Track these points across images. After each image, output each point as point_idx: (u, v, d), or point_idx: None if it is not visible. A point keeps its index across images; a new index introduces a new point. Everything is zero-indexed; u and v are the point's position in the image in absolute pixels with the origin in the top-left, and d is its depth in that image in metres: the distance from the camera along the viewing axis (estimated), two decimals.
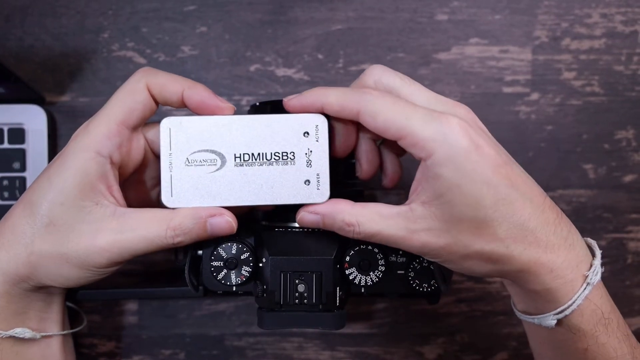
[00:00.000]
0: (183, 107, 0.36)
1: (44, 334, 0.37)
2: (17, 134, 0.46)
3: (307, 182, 0.35)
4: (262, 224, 0.42)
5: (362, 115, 0.33)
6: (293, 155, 0.35)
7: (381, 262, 0.37)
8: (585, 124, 0.49)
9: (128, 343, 0.49)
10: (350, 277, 0.37)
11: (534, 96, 0.49)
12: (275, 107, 0.40)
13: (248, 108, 0.43)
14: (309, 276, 0.36)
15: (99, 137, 0.33)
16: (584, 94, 0.49)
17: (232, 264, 0.36)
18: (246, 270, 0.37)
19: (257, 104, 0.41)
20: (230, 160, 0.35)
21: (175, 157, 0.34)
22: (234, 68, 0.49)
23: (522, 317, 0.37)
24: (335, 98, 0.33)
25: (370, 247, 0.37)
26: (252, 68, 0.49)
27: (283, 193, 0.35)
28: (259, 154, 0.35)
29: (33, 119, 0.46)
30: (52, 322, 0.38)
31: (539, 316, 0.34)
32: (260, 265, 0.37)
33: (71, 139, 0.34)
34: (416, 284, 0.37)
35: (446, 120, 0.31)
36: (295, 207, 0.36)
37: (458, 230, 0.31)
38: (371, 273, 0.37)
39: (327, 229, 0.35)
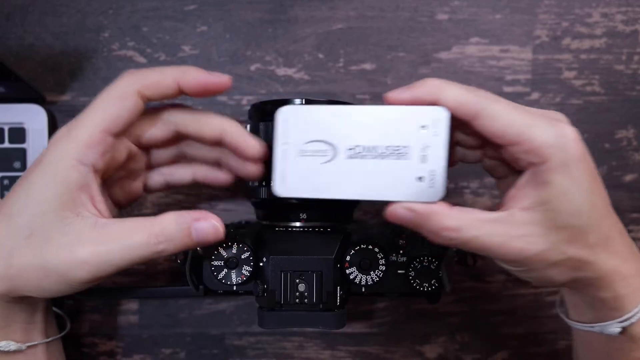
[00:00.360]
0: (181, 95, 0.35)
1: (29, 344, 0.36)
2: (18, 133, 0.46)
3: (420, 178, 0.32)
4: (263, 224, 0.42)
5: (481, 118, 0.31)
6: (407, 150, 0.33)
7: (381, 261, 0.37)
8: (585, 123, 0.49)
9: (128, 342, 0.50)
10: (351, 277, 0.37)
11: (535, 96, 0.49)
12: (276, 106, 0.40)
13: (249, 107, 0.43)
14: (309, 275, 0.36)
15: (81, 145, 0.32)
16: (584, 94, 0.49)
17: (233, 263, 0.37)
18: (247, 270, 0.37)
19: (258, 103, 0.41)
20: (342, 152, 0.33)
21: (289, 147, 0.34)
22: (235, 67, 0.49)
23: (579, 326, 0.37)
24: (454, 94, 0.32)
25: (370, 247, 0.37)
26: (253, 67, 0.49)
27: (393, 189, 0.33)
28: (371, 146, 0.33)
29: (33, 118, 0.46)
30: (36, 331, 0.37)
31: (601, 324, 0.34)
32: (261, 264, 0.37)
33: (50, 143, 0.33)
34: (417, 283, 0.37)
35: (561, 128, 0.31)
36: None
37: (557, 237, 0.32)
38: (372, 272, 0.37)
39: (414, 229, 0.33)
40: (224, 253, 0.37)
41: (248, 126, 0.42)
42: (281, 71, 0.49)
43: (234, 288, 0.37)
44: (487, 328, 0.50)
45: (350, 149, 0.33)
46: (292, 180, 0.34)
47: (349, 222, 0.42)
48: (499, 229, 0.32)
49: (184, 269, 0.37)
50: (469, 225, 0.32)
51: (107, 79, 0.48)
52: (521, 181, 0.33)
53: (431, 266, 0.37)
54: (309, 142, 0.33)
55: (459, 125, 0.34)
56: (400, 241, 0.37)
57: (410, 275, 0.37)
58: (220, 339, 0.50)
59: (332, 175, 0.33)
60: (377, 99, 0.49)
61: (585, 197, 0.31)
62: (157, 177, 0.40)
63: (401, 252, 0.37)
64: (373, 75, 0.49)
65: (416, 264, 0.37)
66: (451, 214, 0.32)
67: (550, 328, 0.50)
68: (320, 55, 0.49)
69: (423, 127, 0.32)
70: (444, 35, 0.49)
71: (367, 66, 0.49)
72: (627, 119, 0.49)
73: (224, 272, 0.37)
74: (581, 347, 0.39)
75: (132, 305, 0.49)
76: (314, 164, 0.33)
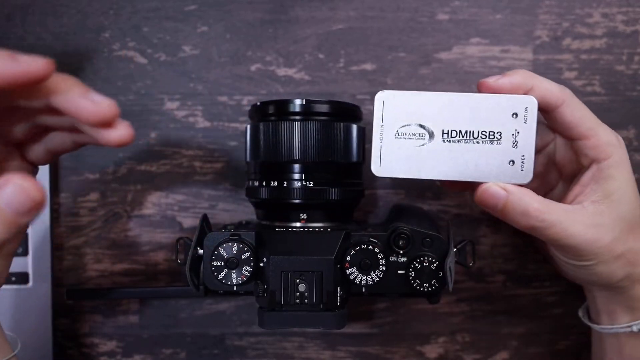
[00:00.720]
0: None
1: None
2: None
3: (512, 162, 0.35)
4: (263, 224, 0.42)
5: (565, 106, 0.36)
6: (500, 135, 0.35)
7: (382, 261, 0.37)
8: None
9: (129, 342, 0.50)
10: (351, 277, 0.37)
11: None
12: (276, 107, 0.40)
13: (249, 108, 0.43)
14: (309, 276, 0.36)
15: None
16: (585, 94, 0.49)
17: (233, 263, 0.37)
18: (247, 270, 0.37)
19: (258, 103, 0.41)
20: (438, 136, 0.36)
21: (386, 129, 0.36)
22: (235, 68, 0.49)
23: (615, 329, 0.39)
24: (546, 83, 0.36)
25: (370, 247, 0.37)
26: (253, 68, 0.49)
27: (486, 171, 0.36)
28: (466, 131, 0.36)
29: None
30: None
31: (638, 321, 0.38)
32: (261, 265, 0.37)
33: None
34: (417, 283, 0.37)
35: (616, 134, 0.37)
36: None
37: (620, 227, 0.35)
38: (372, 273, 0.37)
39: (501, 212, 0.35)
40: (224, 253, 0.37)
41: (248, 126, 0.42)
42: (281, 71, 0.49)
43: (234, 288, 0.37)
44: (487, 328, 0.50)
45: (446, 133, 0.36)
46: (387, 160, 0.36)
47: (349, 223, 0.42)
48: (579, 218, 0.35)
49: (184, 269, 0.37)
50: (555, 210, 0.35)
51: (108, 80, 0.49)
52: (585, 178, 0.37)
53: (431, 266, 0.37)
54: (405, 125, 0.36)
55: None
56: (401, 241, 0.37)
57: (411, 276, 0.37)
58: (221, 339, 0.50)
59: (427, 157, 0.36)
60: None
61: (636, 194, 0.37)
62: (37, 148, 0.36)
63: (401, 252, 0.37)
64: (373, 76, 0.49)
65: (416, 264, 0.37)
66: (540, 198, 0.35)
67: (551, 328, 0.50)
68: (321, 56, 0.49)
69: (514, 114, 0.35)
70: (445, 36, 0.49)
71: (368, 66, 0.49)
72: (628, 120, 0.49)
73: (224, 273, 0.37)
74: (608, 356, 0.41)
75: (133, 305, 0.49)
76: (411, 146, 0.36)
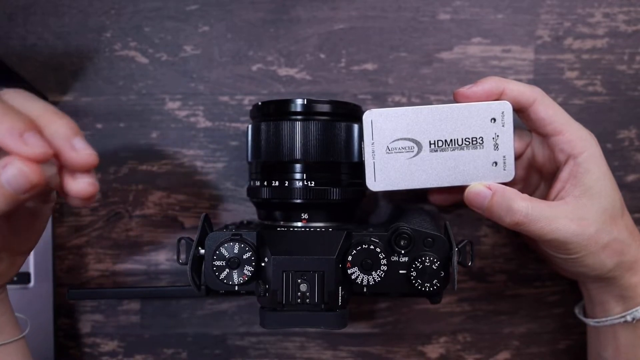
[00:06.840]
0: None
1: None
2: None
3: (495, 163, 0.38)
4: (265, 224, 0.42)
5: (538, 104, 0.38)
6: (482, 140, 0.38)
7: (383, 261, 0.37)
8: (587, 123, 0.49)
9: (130, 342, 0.50)
10: (353, 277, 0.37)
11: None
12: (278, 106, 0.40)
13: (250, 108, 0.43)
14: (311, 275, 0.36)
15: None
16: (586, 94, 0.49)
17: (235, 263, 0.37)
18: (248, 270, 0.37)
19: (260, 103, 0.41)
20: (426, 147, 0.38)
21: (377, 146, 0.38)
22: (236, 67, 0.49)
23: (609, 320, 0.40)
24: (516, 85, 0.38)
25: (372, 247, 0.37)
26: (254, 67, 0.49)
27: (473, 174, 0.38)
28: (451, 140, 0.38)
29: None
30: None
31: (632, 310, 0.39)
32: (263, 264, 0.37)
33: None
34: (418, 283, 0.37)
35: (587, 130, 0.38)
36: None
37: (603, 219, 0.37)
38: (373, 272, 0.37)
39: (488, 210, 0.37)
40: (225, 253, 0.37)
41: (250, 126, 0.42)
42: (283, 71, 0.49)
43: (236, 288, 0.37)
44: (488, 328, 0.50)
45: (433, 144, 0.38)
46: (381, 175, 0.38)
47: (350, 222, 0.42)
48: (562, 212, 0.36)
49: (186, 269, 0.37)
50: (539, 205, 0.36)
51: (109, 79, 0.49)
52: (564, 174, 0.38)
53: (433, 266, 0.37)
54: (395, 140, 0.38)
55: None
56: (402, 241, 0.37)
57: (412, 276, 0.37)
58: (222, 339, 0.50)
59: (418, 168, 0.38)
60: (379, 99, 0.49)
61: (613, 186, 0.38)
62: None
63: (403, 252, 0.37)
64: (375, 75, 0.49)
65: (418, 264, 0.37)
66: (523, 195, 0.37)
67: (552, 328, 0.50)
68: (322, 56, 0.49)
69: (493, 119, 0.38)
70: (446, 35, 0.49)
71: (369, 66, 0.49)
72: (629, 119, 0.49)
73: (225, 272, 0.37)
74: (605, 348, 0.41)
75: (134, 305, 0.49)
76: (401, 159, 0.38)
